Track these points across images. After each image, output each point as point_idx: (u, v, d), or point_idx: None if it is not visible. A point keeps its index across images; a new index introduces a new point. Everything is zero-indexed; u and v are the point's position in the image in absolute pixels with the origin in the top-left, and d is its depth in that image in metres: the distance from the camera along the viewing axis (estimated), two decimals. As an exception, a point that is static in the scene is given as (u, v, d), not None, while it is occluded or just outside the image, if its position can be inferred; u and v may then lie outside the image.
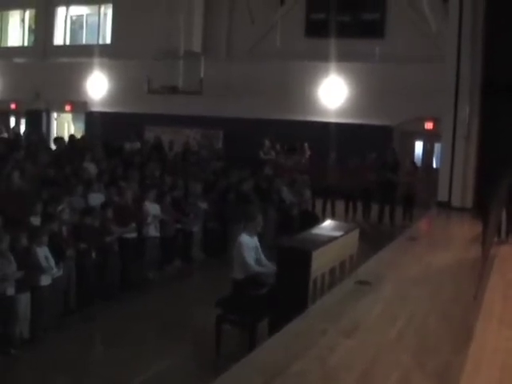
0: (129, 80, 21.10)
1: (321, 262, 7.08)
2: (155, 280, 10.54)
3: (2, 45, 25.40)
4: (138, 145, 16.99)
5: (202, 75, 19.73)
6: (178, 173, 13.39)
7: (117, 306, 9.08)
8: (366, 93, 18.55)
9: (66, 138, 17.45)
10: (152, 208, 10.74)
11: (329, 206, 15.97)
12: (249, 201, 12.03)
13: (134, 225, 10.23)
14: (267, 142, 18.11)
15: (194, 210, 11.82)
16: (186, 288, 10.39)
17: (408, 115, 17.98)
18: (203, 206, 12.06)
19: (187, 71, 20.25)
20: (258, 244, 7.68)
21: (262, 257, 7.72)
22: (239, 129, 19.59)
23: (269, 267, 7.48)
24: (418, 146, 19.39)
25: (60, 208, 9.20)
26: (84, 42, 24.32)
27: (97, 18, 23.81)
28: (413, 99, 17.44)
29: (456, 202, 13.68)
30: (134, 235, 10.24)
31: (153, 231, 10.69)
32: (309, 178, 14.62)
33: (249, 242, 7.47)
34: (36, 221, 8.82)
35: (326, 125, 18.64)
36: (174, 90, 20.07)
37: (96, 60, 21.71)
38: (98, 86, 22.41)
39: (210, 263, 11.65)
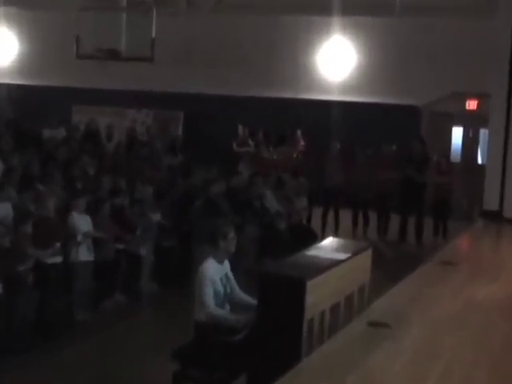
0: (49, 40, 21.06)
1: (319, 296, 7.08)
2: (87, 322, 10.49)
3: None
4: (62, 132, 16.97)
5: (153, 35, 19.70)
6: (121, 172, 13.39)
7: (32, 360, 8.97)
8: (383, 60, 18.67)
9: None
10: (83, 221, 10.72)
11: (330, 216, 16.03)
12: (219, 211, 12.03)
13: (57, 245, 10.19)
14: (241, 129, 18.14)
15: (143, 223, 11.82)
16: (131, 333, 10.35)
17: (442, 91, 18.11)
18: (155, 217, 12.07)
19: (133, 29, 20.24)
20: (229, 272, 7.65)
21: (237, 291, 7.69)
22: (206, 110, 19.63)
23: (248, 303, 7.46)
24: (457, 134, 19.53)
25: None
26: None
27: None
28: (448, 69, 17.58)
29: (510, 211, 13.76)
30: (57, 260, 10.21)
31: (84, 254, 10.66)
32: (304, 179, 14.64)
33: (213, 272, 7.41)
34: None
35: (328, 105, 18.73)
36: (113, 54, 20.03)
37: None
38: (3, 48, 22.30)
39: (165, 297, 11.69)
